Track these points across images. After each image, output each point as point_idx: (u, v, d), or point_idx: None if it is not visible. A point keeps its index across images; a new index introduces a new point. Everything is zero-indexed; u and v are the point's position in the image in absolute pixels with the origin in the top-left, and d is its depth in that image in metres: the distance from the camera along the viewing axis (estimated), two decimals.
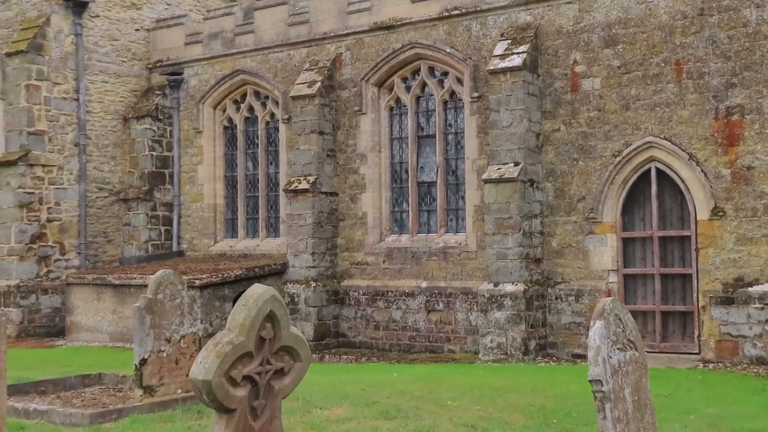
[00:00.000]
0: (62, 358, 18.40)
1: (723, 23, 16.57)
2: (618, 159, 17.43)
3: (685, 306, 17.02)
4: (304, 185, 20.51)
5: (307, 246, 20.46)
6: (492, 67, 18.24)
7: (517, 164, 17.82)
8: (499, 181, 17.86)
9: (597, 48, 17.83)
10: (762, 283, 16.05)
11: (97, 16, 23.64)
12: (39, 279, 22.31)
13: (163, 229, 23.81)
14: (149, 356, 11.82)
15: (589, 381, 7.68)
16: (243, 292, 20.41)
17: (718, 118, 16.54)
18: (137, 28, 24.55)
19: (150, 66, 24.60)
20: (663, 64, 17.12)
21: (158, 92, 24.08)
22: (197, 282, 19.34)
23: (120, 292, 20.82)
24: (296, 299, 20.44)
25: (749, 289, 16.12)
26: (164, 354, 11.97)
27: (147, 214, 23.51)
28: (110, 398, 12.16)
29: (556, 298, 18.06)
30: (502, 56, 18.28)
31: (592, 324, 8.51)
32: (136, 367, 11.74)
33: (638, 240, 17.55)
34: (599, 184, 17.63)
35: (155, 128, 23.76)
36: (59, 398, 12.36)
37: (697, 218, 16.74)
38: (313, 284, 20.34)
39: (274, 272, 20.77)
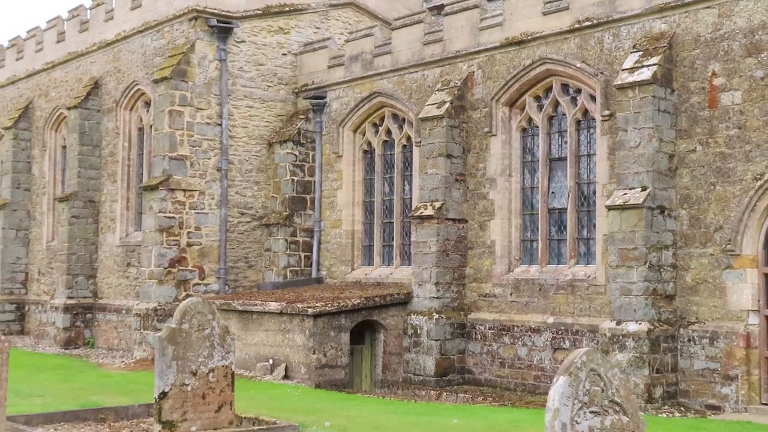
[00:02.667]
0: None
1: None
2: (759, 183, 15.20)
3: None
4: (429, 211, 19.38)
5: (431, 275, 19.28)
6: (619, 82, 16.47)
7: (644, 189, 15.94)
8: (624, 207, 16.03)
9: (738, 57, 15.69)
10: None
11: (243, 41, 23.60)
12: (177, 303, 22.32)
13: (302, 255, 23.33)
14: (170, 389, 11.10)
15: None
16: (361, 322, 19.75)
17: None
18: (284, 53, 24.34)
19: (296, 90, 24.31)
20: None
21: (302, 117, 23.71)
22: (310, 311, 18.61)
23: (244, 318, 20.43)
24: (419, 331, 19.30)
25: None
26: (188, 388, 11.23)
27: (286, 240, 23.11)
28: None
29: (689, 341, 15.95)
30: (631, 70, 16.47)
31: (554, 380, 6.99)
32: (155, 400, 11.09)
33: None
34: (738, 212, 15.45)
35: (297, 153, 23.36)
36: (108, 427, 11.94)
37: None
38: (436, 316, 19.12)
39: (397, 302, 19.72)
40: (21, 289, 30.28)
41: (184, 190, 22.64)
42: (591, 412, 6.91)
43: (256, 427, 11.73)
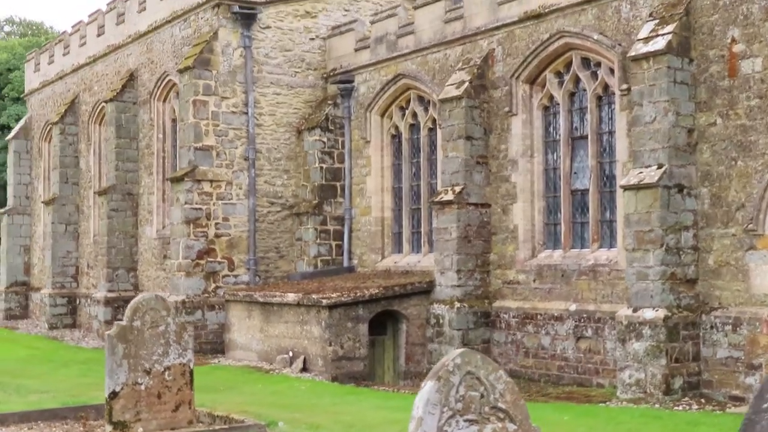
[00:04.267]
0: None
1: None
2: None
3: None
4: (449, 196, 18.60)
5: (452, 263, 18.51)
6: (634, 53, 15.44)
7: (660, 167, 14.90)
8: (639, 187, 15.02)
9: (758, 21, 14.50)
10: None
11: (268, 27, 23.11)
12: (206, 295, 22.08)
13: (333, 243, 22.77)
14: (121, 389, 10.67)
15: None
16: (380, 312, 19.11)
17: None
18: (312, 38, 23.77)
19: (325, 75, 23.72)
20: None
21: (330, 102, 23.12)
22: (324, 302, 18.07)
23: (266, 310, 20.01)
24: (441, 321, 18.57)
25: None
26: (142, 387, 10.78)
27: (316, 229, 22.58)
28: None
29: (712, 327, 14.87)
30: (646, 40, 15.40)
31: (423, 385, 6.27)
32: (106, 400, 10.68)
33: None
34: (760, 189, 14.29)
35: (325, 140, 22.79)
36: (82, 426, 11.61)
37: None
38: (458, 305, 18.36)
39: (420, 291, 19.01)
40: (72, 283, 30.50)
41: (211, 181, 22.32)
42: (466, 421, 6.16)
43: (217, 427, 11.26)
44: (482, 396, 6.34)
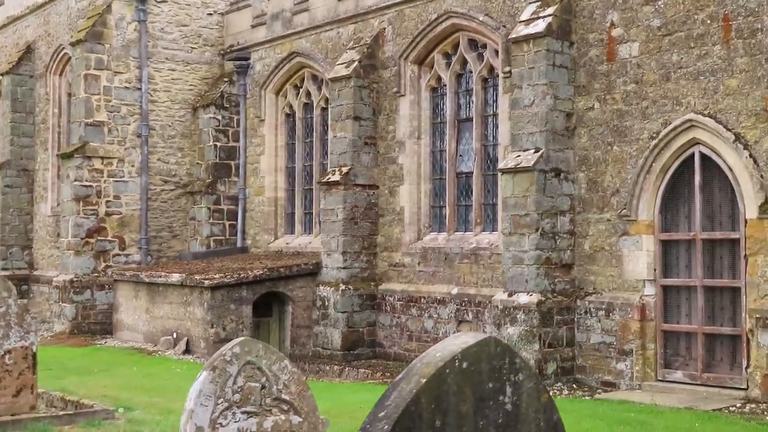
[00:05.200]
0: (69, 360, 17.39)
1: None
2: (655, 142, 14.01)
3: (733, 328, 13.38)
4: (336, 177, 18.35)
5: (338, 244, 18.29)
6: (515, 35, 15.31)
7: (537, 150, 14.81)
8: (516, 171, 14.91)
9: (636, 6, 14.44)
10: None
11: (164, 1, 22.57)
12: (96, 274, 21.56)
13: (227, 223, 22.39)
14: None
15: None
16: (265, 293, 18.84)
17: None
18: (210, 13, 23.27)
19: (222, 52, 23.26)
20: (709, 21, 13.53)
21: (226, 79, 22.68)
22: (207, 282, 17.73)
23: (152, 290, 19.60)
24: (326, 303, 18.35)
25: None
26: None
27: (209, 208, 22.18)
28: None
29: (586, 313, 14.86)
30: (527, 22, 15.28)
31: (198, 376, 6.05)
32: None
33: (682, 243, 14.04)
34: (634, 174, 14.28)
35: (220, 117, 22.36)
36: None
37: (746, 216, 13.08)
38: (343, 287, 18.15)
39: (306, 273, 18.77)
40: None
41: (102, 158, 21.76)
42: (245, 413, 5.95)
43: (61, 412, 10.91)
44: (264, 387, 6.13)
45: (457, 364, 2.88)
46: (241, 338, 6.41)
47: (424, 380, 2.77)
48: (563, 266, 14.99)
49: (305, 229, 21.32)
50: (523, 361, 3.25)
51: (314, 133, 21.00)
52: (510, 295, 14.89)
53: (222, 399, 5.87)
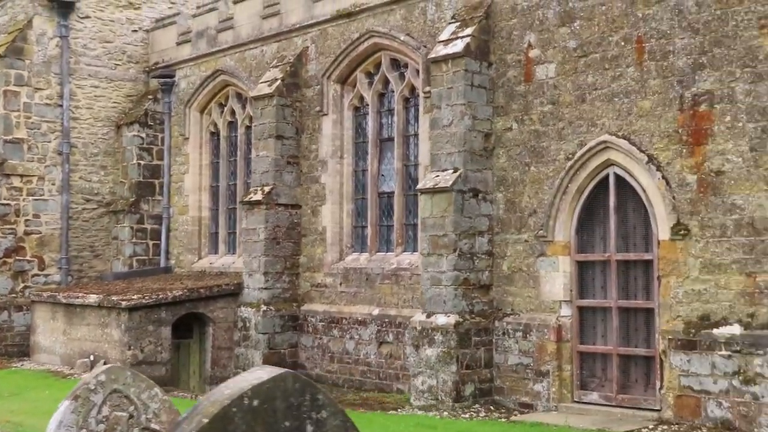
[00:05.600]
0: None
1: None
2: (570, 163, 14.02)
3: (648, 349, 13.39)
4: (257, 196, 18.12)
5: (260, 265, 18.04)
6: (434, 55, 15.26)
7: (455, 171, 14.74)
8: (435, 191, 14.83)
9: (553, 27, 14.48)
10: (731, 323, 12.27)
11: (87, 17, 22.20)
12: (13, 295, 21.03)
13: (151, 243, 22.02)
14: None
15: None
16: (186, 315, 18.50)
17: (684, 109, 12.86)
18: (135, 29, 22.95)
19: (147, 69, 22.94)
20: (623, 43, 13.60)
21: (150, 97, 22.35)
22: (124, 303, 17.36)
23: (69, 311, 19.16)
24: (248, 324, 18.09)
25: (714, 331, 12.35)
26: None
27: (132, 228, 21.79)
28: None
29: (504, 334, 14.79)
30: (446, 42, 15.24)
31: (59, 405, 5.79)
32: None
33: (598, 264, 14.04)
34: (550, 195, 14.27)
35: (144, 135, 22.03)
36: None
37: (659, 238, 13.11)
38: (264, 308, 17.90)
39: (228, 293, 18.49)
40: None
41: (21, 176, 21.28)
42: None
43: None
44: (131, 416, 5.90)
45: (246, 401, 2.70)
46: (108, 365, 6.16)
47: (207, 420, 2.60)
48: (481, 287, 14.92)
49: (229, 248, 21.02)
50: (327, 398, 3.08)
51: (238, 152, 20.75)
52: (428, 316, 14.77)
53: (85, 430, 5.64)
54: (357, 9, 17.54)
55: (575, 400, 13.96)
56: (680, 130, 12.86)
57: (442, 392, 14.43)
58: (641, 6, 13.40)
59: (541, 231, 14.34)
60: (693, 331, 12.55)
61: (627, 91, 13.48)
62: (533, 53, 14.70)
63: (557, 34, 14.39)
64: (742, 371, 12.03)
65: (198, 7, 22.19)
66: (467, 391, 14.49)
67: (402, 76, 17.19)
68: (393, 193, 17.29)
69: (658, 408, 12.99)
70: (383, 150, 17.66)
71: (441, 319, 14.57)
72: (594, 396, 13.82)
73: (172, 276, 20.89)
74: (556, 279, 14.22)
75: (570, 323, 14.08)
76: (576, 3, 14.17)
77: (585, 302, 14.06)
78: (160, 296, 17.68)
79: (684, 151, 12.81)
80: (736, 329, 12.16)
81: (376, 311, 16.84)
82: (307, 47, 18.62)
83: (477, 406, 14.42)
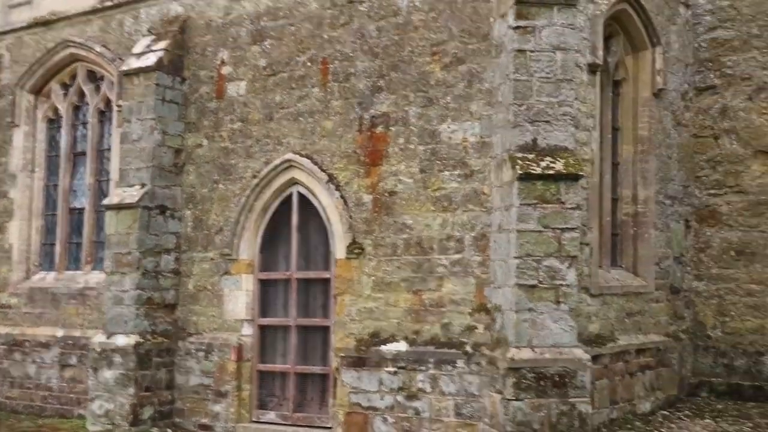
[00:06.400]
0: None
1: (373, 12, 13.19)
2: (256, 181, 13.94)
3: (323, 367, 13.43)
4: None
5: None
6: (126, 68, 14.84)
7: (143, 186, 14.31)
8: (120, 207, 14.33)
9: (245, 45, 14.43)
10: (397, 340, 12.50)
11: None
12: None
13: None
14: None
15: None
16: None
17: (362, 131, 13.10)
18: None
19: None
20: (310, 64, 13.72)
21: None
22: None
23: None
24: None
25: (382, 347, 12.55)
26: None
27: None
28: None
29: (187, 354, 14.45)
30: (139, 55, 14.87)
31: None
32: None
33: (280, 283, 13.99)
34: (236, 213, 14.12)
35: None
36: None
37: (336, 256, 13.23)
38: None
39: None
40: None
41: None
42: None
43: None
44: None
45: None
46: None
47: None
48: (166, 306, 14.51)
49: None
50: None
51: None
52: (109, 336, 14.19)
53: None
54: (54, 17, 16.84)
55: (253, 419, 13.80)
56: (358, 151, 13.08)
57: (119, 416, 13.86)
58: (327, 28, 13.59)
59: (227, 249, 14.16)
60: (364, 348, 12.70)
61: (312, 110, 13.59)
62: (226, 70, 14.59)
63: (249, 52, 14.35)
64: (406, 387, 12.28)
65: None
66: (146, 414, 14.00)
67: (98, 89, 16.61)
68: (84, 209, 16.60)
69: (330, 426, 13.04)
70: (77, 164, 16.93)
71: (121, 340, 14.03)
72: (272, 415, 13.70)
73: None
74: (239, 298, 14.05)
75: (251, 342, 13.92)
76: (268, 22, 14.19)
77: (266, 321, 13.96)
78: None
79: (361, 171, 13.03)
80: (402, 346, 12.42)
81: (60, 333, 16.03)
82: (2, 55, 17.67)
83: (156, 429, 13.96)
